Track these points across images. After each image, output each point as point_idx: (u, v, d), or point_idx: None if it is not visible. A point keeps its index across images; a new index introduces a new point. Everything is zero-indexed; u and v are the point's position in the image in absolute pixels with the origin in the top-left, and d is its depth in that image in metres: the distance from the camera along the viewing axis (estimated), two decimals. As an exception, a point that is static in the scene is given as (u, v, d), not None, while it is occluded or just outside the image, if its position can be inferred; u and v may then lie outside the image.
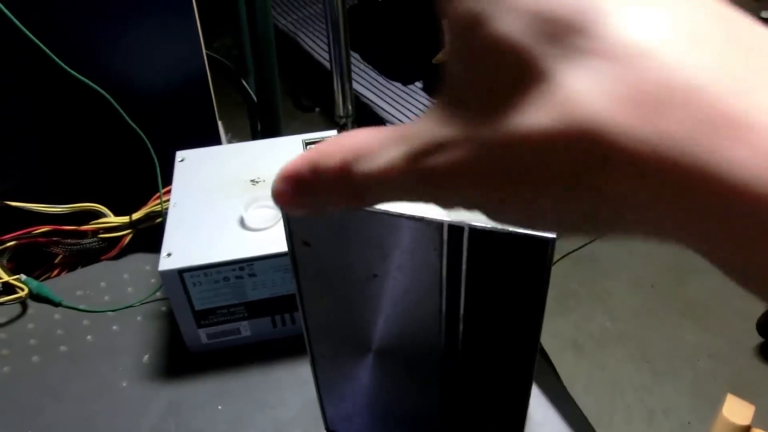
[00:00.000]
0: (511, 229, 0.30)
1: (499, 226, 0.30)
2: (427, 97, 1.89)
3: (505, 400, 0.40)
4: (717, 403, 1.62)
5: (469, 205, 0.16)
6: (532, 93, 0.14)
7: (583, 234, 0.16)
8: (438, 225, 0.31)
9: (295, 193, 0.19)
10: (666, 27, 0.13)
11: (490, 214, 0.16)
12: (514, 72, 0.14)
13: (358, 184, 0.17)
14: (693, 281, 1.93)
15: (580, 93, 0.13)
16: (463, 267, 0.33)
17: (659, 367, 1.71)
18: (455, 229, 0.31)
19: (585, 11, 0.13)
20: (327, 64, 2.13)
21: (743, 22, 0.14)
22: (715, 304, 1.86)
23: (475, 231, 0.31)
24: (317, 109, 2.48)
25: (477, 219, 0.31)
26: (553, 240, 0.30)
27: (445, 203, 0.17)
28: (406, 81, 1.99)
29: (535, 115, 0.13)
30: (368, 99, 1.96)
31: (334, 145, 0.17)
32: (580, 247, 2.03)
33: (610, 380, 1.68)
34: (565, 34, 0.13)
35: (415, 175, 0.16)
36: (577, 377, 1.68)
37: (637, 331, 1.81)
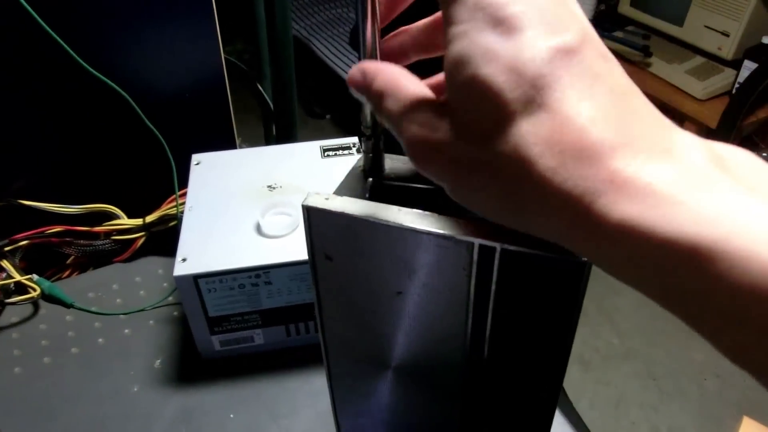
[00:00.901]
0: (546, 252, 0.29)
1: (533, 249, 0.29)
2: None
3: (527, 425, 0.39)
4: (723, 425, 1.60)
5: (434, 177, 0.23)
6: (497, 126, 0.20)
7: (505, 221, 0.23)
8: (468, 245, 0.30)
9: (359, 83, 0.25)
10: (590, 105, 0.19)
11: (450, 191, 0.23)
12: (489, 108, 0.20)
13: (381, 108, 0.24)
14: (701, 299, 1.92)
15: (528, 134, 0.19)
16: (492, 288, 0.32)
17: (665, 385, 1.69)
18: (486, 250, 0.30)
19: (544, 76, 0.19)
20: (339, 71, 2.13)
21: (641, 101, 0.20)
22: (723, 323, 1.84)
23: (507, 252, 0.30)
24: (328, 116, 2.48)
25: (509, 240, 0.30)
26: (589, 264, 0.29)
27: (420, 167, 0.23)
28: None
29: (496, 140, 0.20)
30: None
31: (391, 74, 0.24)
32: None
33: (615, 397, 1.67)
34: (529, 90, 0.19)
35: (403, 133, 0.23)
36: (583, 393, 1.67)
37: (643, 348, 1.79)
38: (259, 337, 0.57)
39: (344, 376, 0.43)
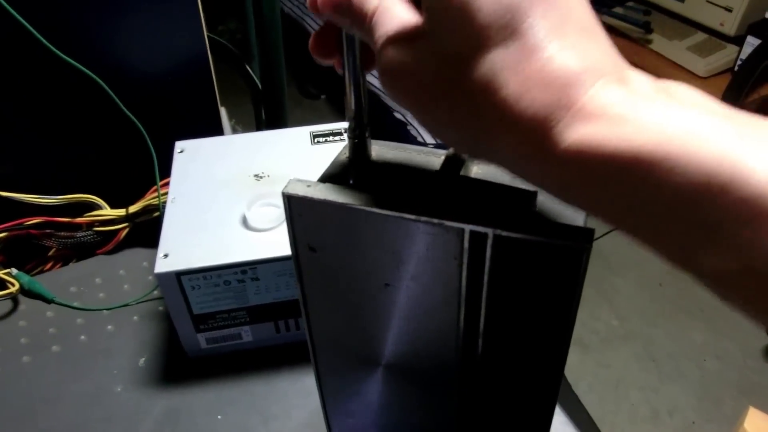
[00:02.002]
0: (542, 237, 0.27)
1: (528, 235, 0.27)
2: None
3: (526, 420, 0.37)
4: (724, 406, 1.59)
5: (402, 101, 0.23)
6: (471, 49, 0.20)
7: (465, 148, 0.24)
8: (459, 231, 0.28)
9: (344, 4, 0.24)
10: (559, 36, 0.20)
11: (416, 116, 0.23)
12: (465, 31, 0.20)
13: (366, 28, 0.24)
14: (701, 280, 1.90)
15: (498, 59, 0.20)
16: (485, 278, 0.30)
17: (665, 366, 1.68)
18: (478, 236, 0.28)
19: (520, 4, 0.20)
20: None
21: (604, 38, 0.21)
22: (723, 306, 1.83)
23: (500, 239, 0.28)
24: (323, 97, 2.44)
25: (503, 225, 0.27)
26: (588, 248, 0.27)
27: (389, 89, 0.24)
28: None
29: (468, 63, 0.21)
30: (376, 87, 1.91)
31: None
32: (587, 243, 2.00)
33: (614, 379, 1.66)
34: (505, 15, 0.20)
35: (381, 58, 0.23)
36: (582, 375, 1.66)
37: (643, 330, 1.78)
38: (247, 334, 0.54)
39: (333, 374, 0.41)
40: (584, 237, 0.27)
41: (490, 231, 0.27)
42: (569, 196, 0.21)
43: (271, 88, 0.86)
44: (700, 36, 1.95)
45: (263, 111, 0.89)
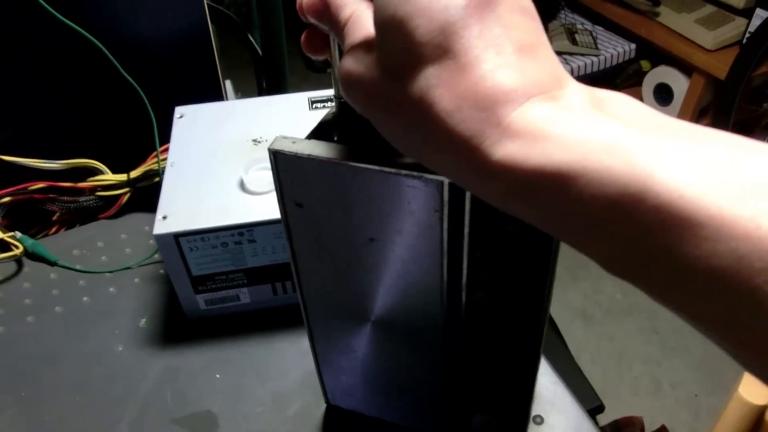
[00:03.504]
0: None
1: None
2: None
3: (511, 374, 0.38)
4: (726, 378, 1.60)
5: (357, 109, 0.24)
6: (407, 66, 0.21)
7: (410, 156, 0.24)
8: (438, 183, 0.28)
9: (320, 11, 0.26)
10: (494, 54, 0.20)
11: (370, 115, 0.24)
12: (402, 48, 0.21)
13: (341, 35, 0.25)
14: (707, 254, 1.90)
15: (432, 77, 0.21)
16: (465, 230, 0.30)
17: (669, 340, 1.69)
18: (457, 188, 0.28)
19: (455, 23, 0.20)
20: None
21: (546, 54, 0.22)
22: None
23: None
24: (329, 70, 2.42)
25: None
26: None
27: (347, 98, 0.25)
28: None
29: (404, 79, 0.21)
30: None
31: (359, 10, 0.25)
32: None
33: (617, 351, 1.67)
34: (439, 36, 0.20)
35: (342, 67, 0.24)
36: (585, 347, 1.67)
37: (647, 303, 1.78)
38: (245, 296, 0.55)
39: (325, 331, 0.42)
40: None
41: None
42: (507, 208, 0.21)
43: (272, 57, 0.86)
44: (709, 8, 1.92)
45: (264, 80, 0.89)
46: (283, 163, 0.31)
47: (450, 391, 0.40)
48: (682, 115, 2.02)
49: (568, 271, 1.83)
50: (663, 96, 2.12)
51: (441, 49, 0.20)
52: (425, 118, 0.21)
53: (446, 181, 0.28)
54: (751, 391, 0.68)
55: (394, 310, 0.37)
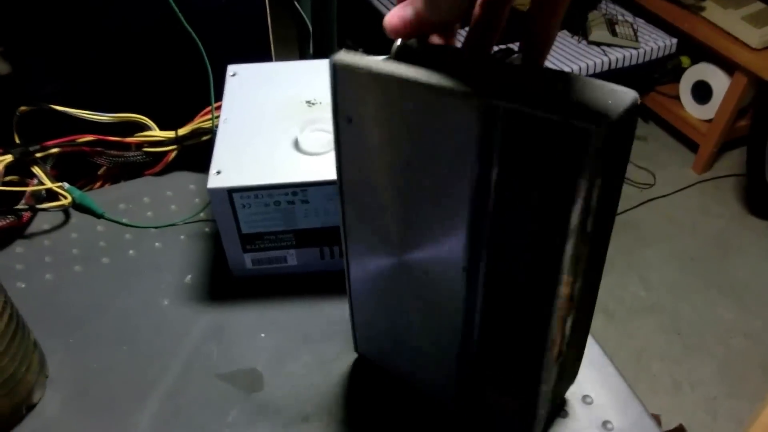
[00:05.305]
0: (548, 113, 0.27)
1: (535, 110, 0.27)
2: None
3: (523, 351, 0.36)
4: (746, 382, 1.58)
5: None
6: None
7: None
8: (472, 103, 0.28)
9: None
10: None
11: None
12: None
13: None
14: (735, 259, 1.87)
15: None
16: (496, 156, 0.29)
17: (690, 341, 1.67)
18: (490, 109, 0.28)
19: None
20: (375, 4, 2.05)
21: None
22: (756, 284, 1.80)
23: (510, 112, 0.28)
24: (360, 50, 2.41)
25: (512, 99, 0.28)
26: (594, 131, 0.26)
27: None
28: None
29: None
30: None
31: None
32: (620, 213, 1.97)
33: (637, 349, 1.65)
34: None
35: None
36: (605, 343, 1.64)
37: (671, 303, 1.76)
38: (292, 258, 0.55)
39: (360, 264, 0.42)
40: (594, 119, 0.26)
41: (502, 104, 0.28)
42: None
43: (322, 25, 0.85)
44: (757, 5, 1.87)
45: (311, 48, 0.88)
46: (341, 75, 0.33)
47: (464, 357, 0.39)
48: (720, 115, 1.98)
49: (593, 265, 1.81)
50: (701, 94, 2.08)
51: None
52: None
53: (480, 101, 0.28)
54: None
55: (420, 253, 0.37)
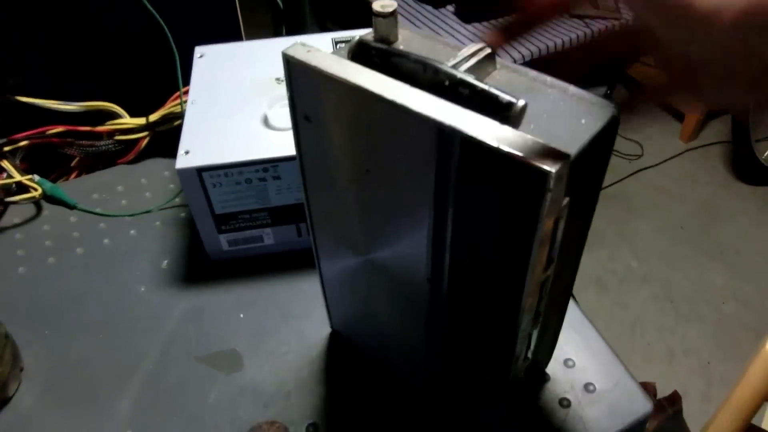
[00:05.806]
0: (506, 149, 0.24)
1: (492, 143, 0.24)
2: (459, 21, 1.80)
3: (491, 340, 0.35)
4: (739, 347, 1.59)
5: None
6: None
7: None
8: (431, 125, 0.26)
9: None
10: None
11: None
12: None
13: None
14: (724, 224, 1.88)
15: None
16: (452, 181, 0.28)
17: (683, 308, 1.67)
18: (448, 135, 0.26)
19: None
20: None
21: None
22: (745, 249, 1.80)
23: (467, 141, 0.25)
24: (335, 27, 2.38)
25: (470, 129, 0.25)
26: (551, 175, 0.23)
27: None
28: (437, 4, 1.89)
29: None
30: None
31: None
32: (609, 185, 1.97)
33: (631, 319, 1.66)
34: None
35: None
36: (599, 314, 1.66)
37: (662, 272, 1.77)
38: (269, 236, 0.54)
39: (329, 255, 0.41)
40: (553, 159, 0.23)
41: (458, 132, 0.25)
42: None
43: (293, 4, 0.84)
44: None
45: (284, 29, 0.87)
46: (295, 71, 0.30)
47: (432, 349, 0.39)
48: (703, 82, 1.97)
49: (584, 238, 1.81)
50: (684, 62, 2.07)
51: None
52: None
53: (438, 124, 0.26)
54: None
55: (384, 254, 0.35)
